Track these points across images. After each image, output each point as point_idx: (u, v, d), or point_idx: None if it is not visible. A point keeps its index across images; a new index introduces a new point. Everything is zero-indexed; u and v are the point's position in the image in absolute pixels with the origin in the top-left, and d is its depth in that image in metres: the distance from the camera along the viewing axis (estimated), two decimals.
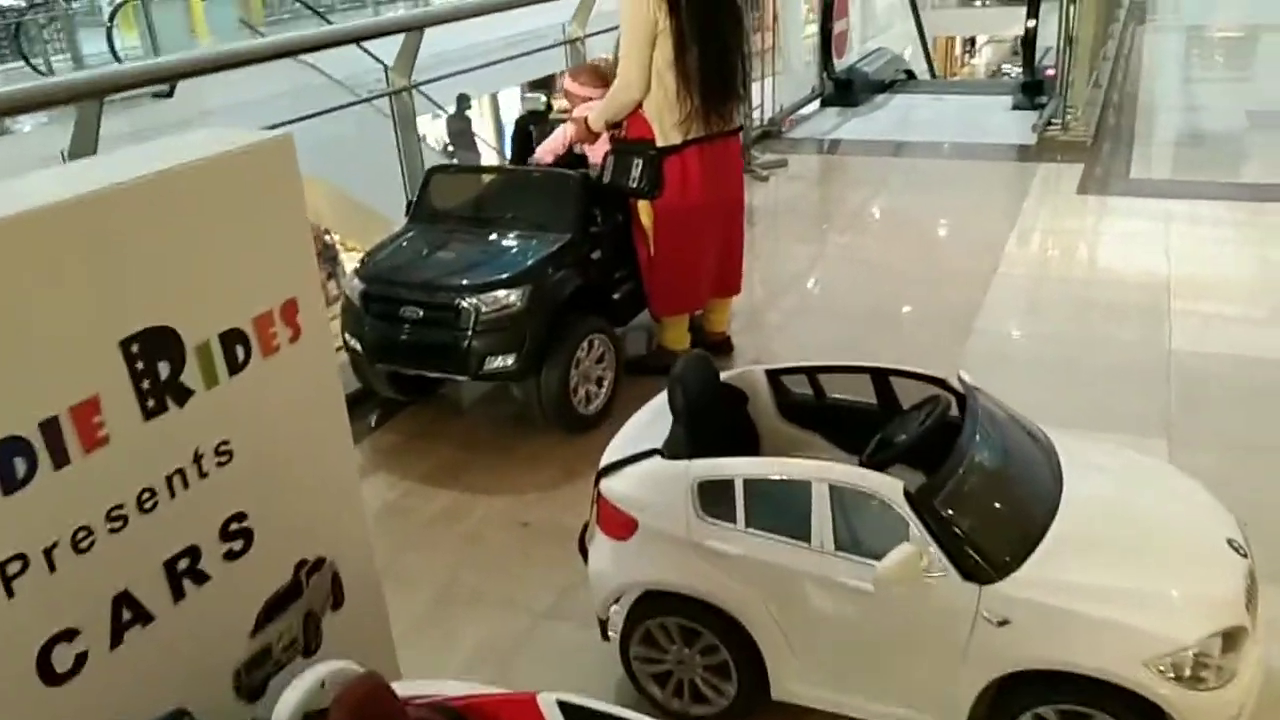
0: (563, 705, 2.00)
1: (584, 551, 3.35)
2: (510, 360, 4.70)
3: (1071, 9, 9.48)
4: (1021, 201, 8.13)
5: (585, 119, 5.30)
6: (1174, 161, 9.27)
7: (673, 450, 3.14)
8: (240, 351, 2.20)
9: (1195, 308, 5.91)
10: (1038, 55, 11.67)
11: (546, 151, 5.68)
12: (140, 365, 1.98)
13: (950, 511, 2.77)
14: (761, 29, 10.18)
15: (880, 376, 3.46)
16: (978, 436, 3.00)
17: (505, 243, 5.07)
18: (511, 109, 14.28)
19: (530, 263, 4.82)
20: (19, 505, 1.83)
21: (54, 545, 1.87)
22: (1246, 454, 4.24)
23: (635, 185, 5.01)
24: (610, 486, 3.19)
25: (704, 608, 3.03)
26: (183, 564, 2.13)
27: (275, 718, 1.88)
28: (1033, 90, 10.91)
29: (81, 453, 1.89)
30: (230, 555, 2.25)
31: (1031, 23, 10.99)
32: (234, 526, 2.25)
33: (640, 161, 4.96)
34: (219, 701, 2.26)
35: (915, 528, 2.73)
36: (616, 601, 3.20)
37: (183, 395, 2.08)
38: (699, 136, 5.07)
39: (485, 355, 4.69)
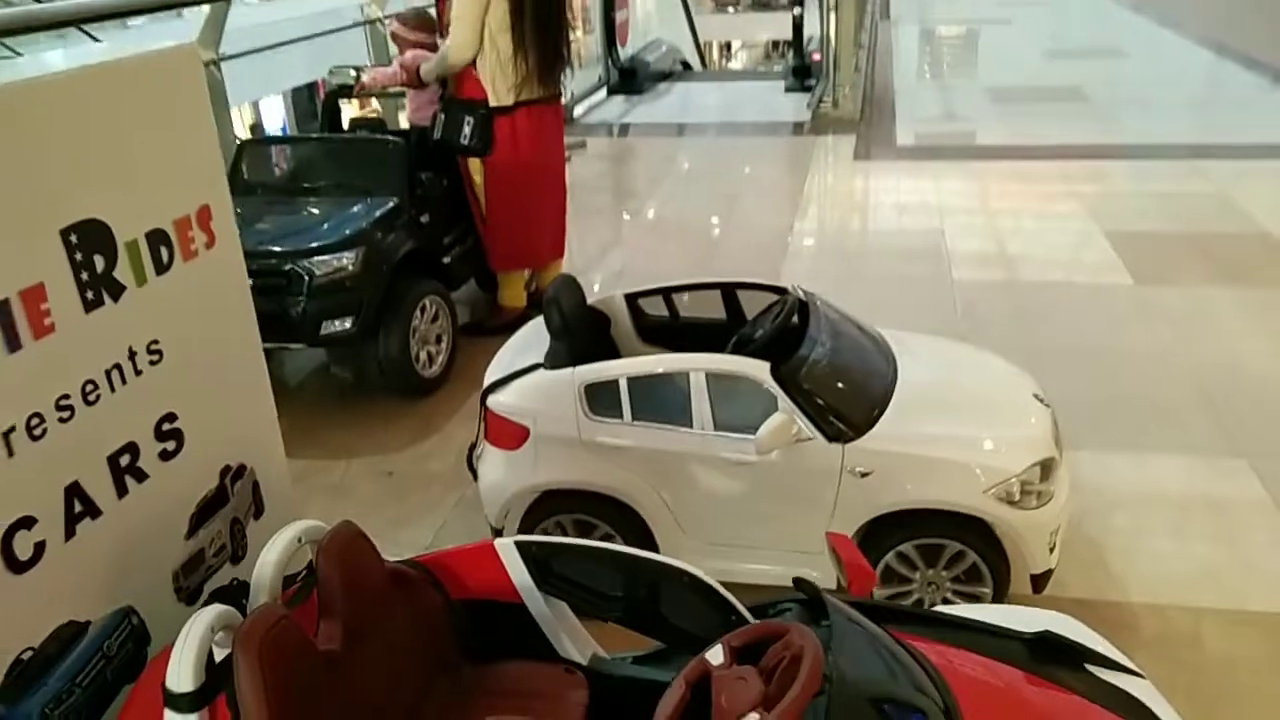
0: (519, 545, 2.19)
1: (473, 470, 3.51)
2: (348, 323, 4.65)
3: None
4: (807, 169, 8.84)
5: (417, 68, 5.38)
6: (931, 131, 10.30)
7: (555, 362, 3.35)
8: (164, 253, 2.25)
9: (965, 246, 6.71)
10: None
11: (378, 80, 5.75)
12: (79, 256, 2.01)
13: (810, 385, 3.14)
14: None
15: (729, 292, 3.82)
16: (823, 327, 3.39)
17: (331, 209, 5.01)
18: (274, 119, 13.48)
19: (361, 225, 4.79)
20: None
21: (11, 430, 1.88)
22: (1027, 356, 4.89)
23: (467, 142, 5.15)
24: (499, 401, 3.36)
25: (598, 500, 3.26)
26: (124, 460, 2.16)
27: (257, 574, 1.98)
28: (802, 74, 11.79)
29: (32, 338, 1.91)
30: (164, 455, 2.29)
31: (798, 10, 11.84)
32: (166, 426, 2.29)
33: (472, 119, 5.10)
34: (161, 602, 2.29)
35: (783, 400, 3.08)
36: (509, 512, 3.39)
37: (117, 290, 2.12)
38: (529, 99, 5.27)
39: (321, 319, 4.61)
